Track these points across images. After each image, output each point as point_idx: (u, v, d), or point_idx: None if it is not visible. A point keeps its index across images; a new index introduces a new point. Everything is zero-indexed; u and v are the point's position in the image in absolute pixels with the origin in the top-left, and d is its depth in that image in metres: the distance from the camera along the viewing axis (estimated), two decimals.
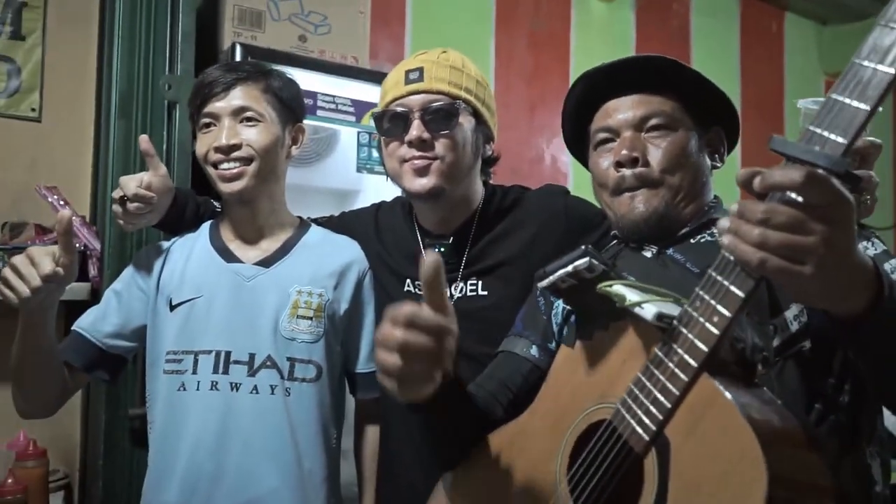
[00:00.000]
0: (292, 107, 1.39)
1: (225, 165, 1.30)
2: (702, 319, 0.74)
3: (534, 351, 1.10)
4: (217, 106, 1.31)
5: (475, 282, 1.31)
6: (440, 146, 1.25)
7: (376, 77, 2.11)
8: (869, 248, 0.91)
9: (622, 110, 1.05)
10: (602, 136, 1.07)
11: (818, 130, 0.67)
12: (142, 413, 1.50)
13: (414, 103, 1.25)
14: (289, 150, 1.39)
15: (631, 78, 1.05)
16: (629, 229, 1.04)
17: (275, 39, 2.00)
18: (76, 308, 1.82)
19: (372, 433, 1.42)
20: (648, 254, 1.04)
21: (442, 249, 1.32)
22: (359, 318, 1.40)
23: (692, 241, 1.02)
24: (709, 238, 1.01)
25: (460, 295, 1.31)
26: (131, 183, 1.29)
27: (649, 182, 1.01)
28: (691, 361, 0.74)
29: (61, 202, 1.76)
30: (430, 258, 0.78)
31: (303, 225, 1.44)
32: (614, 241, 1.12)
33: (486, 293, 1.30)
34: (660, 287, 0.85)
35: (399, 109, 1.27)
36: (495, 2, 2.90)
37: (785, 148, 0.68)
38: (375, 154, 2.08)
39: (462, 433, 1.02)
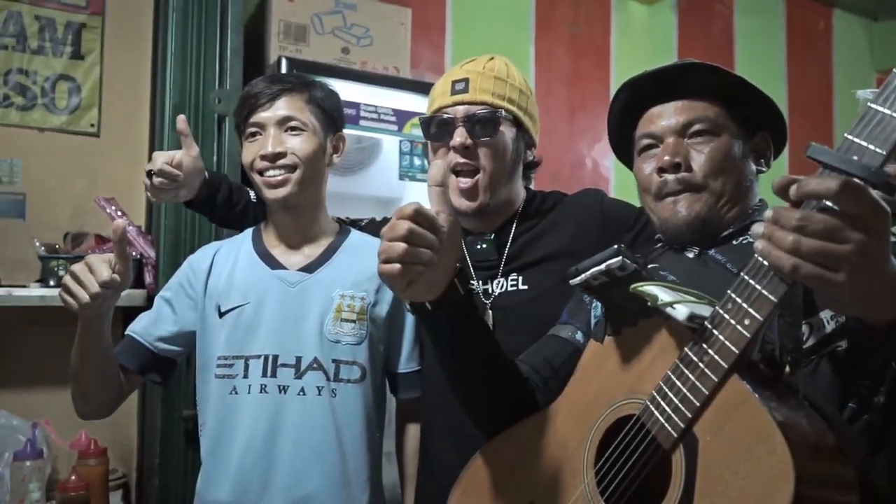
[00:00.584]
0: (334, 116, 1.44)
1: (270, 173, 1.35)
2: (733, 321, 0.75)
3: (579, 336, 1.12)
4: (263, 116, 1.36)
5: (516, 277, 1.34)
6: (482, 153, 1.30)
7: (417, 87, 2.16)
8: None
9: (665, 116, 1.06)
10: (646, 142, 1.08)
11: (857, 140, 0.67)
12: (194, 414, 1.56)
13: (459, 112, 1.31)
14: (330, 158, 1.44)
15: (674, 84, 1.06)
16: (672, 233, 1.05)
17: (319, 52, 2.07)
18: (132, 313, 1.89)
19: (413, 432, 1.46)
20: (690, 254, 1.05)
21: (484, 246, 1.36)
22: (399, 319, 1.43)
23: (734, 242, 1.02)
24: (750, 240, 1.01)
25: (501, 290, 1.34)
26: (160, 158, 1.37)
27: (692, 187, 1.02)
28: (722, 362, 0.75)
29: (118, 212, 1.84)
30: (438, 164, 0.96)
31: (343, 230, 1.49)
32: (658, 245, 1.13)
33: (526, 287, 1.33)
34: (698, 287, 0.86)
35: (445, 116, 1.32)
36: (534, 7, 2.93)
37: (822, 156, 0.68)
38: (417, 162, 2.13)
39: (483, 369, 1.02)
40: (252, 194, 1.54)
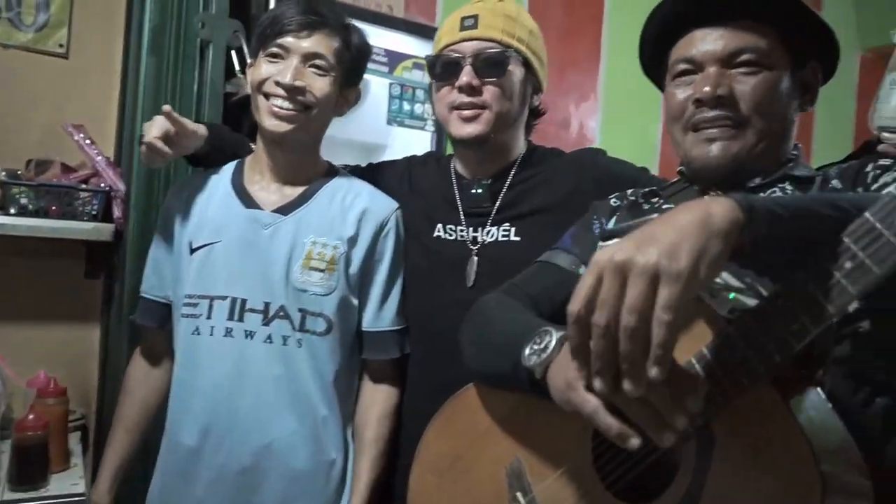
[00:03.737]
0: (360, 69, 1.37)
1: (280, 102, 1.26)
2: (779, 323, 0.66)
3: (582, 270, 1.01)
4: (291, 42, 1.26)
5: (508, 227, 1.31)
6: (488, 93, 1.27)
7: (410, 27, 2.07)
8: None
9: (709, 41, 0.94)
10: (682, 66, 0.97)
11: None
12: None
13: (467, 49, 1.28)
14: (341, 109, 1.37)
15: (723, 5, 0.93)
16: (698, 171, 0.97)
17: None
18: (98, 248, 1.81)
19: (380, 395, 1.36)
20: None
21: (480, 190, 1.33)
22: (371, 273, 1.35)
23: (762, 195, 0.92)
24: (779, 193, 0.93)
25: (492, 239, 1.31)
26: (153, 129, 1.27)
27: (734, 122, 0.92)
28: (757, 365, 0.67)
29: (87, 140, 1.73)
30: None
31: (329, 173, 1.40)
32: (677, 180, 1.05)
33: (518, 239, 1.30)
34: None
35: (452, 55, 1.29)
36: None
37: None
38: (407, 107, 2.05)
39: None
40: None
